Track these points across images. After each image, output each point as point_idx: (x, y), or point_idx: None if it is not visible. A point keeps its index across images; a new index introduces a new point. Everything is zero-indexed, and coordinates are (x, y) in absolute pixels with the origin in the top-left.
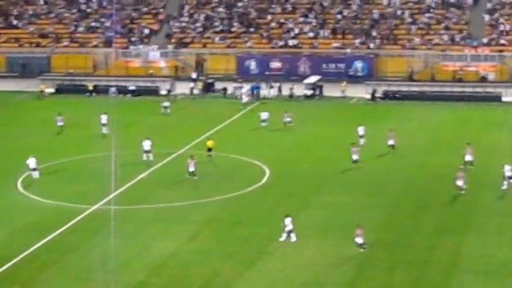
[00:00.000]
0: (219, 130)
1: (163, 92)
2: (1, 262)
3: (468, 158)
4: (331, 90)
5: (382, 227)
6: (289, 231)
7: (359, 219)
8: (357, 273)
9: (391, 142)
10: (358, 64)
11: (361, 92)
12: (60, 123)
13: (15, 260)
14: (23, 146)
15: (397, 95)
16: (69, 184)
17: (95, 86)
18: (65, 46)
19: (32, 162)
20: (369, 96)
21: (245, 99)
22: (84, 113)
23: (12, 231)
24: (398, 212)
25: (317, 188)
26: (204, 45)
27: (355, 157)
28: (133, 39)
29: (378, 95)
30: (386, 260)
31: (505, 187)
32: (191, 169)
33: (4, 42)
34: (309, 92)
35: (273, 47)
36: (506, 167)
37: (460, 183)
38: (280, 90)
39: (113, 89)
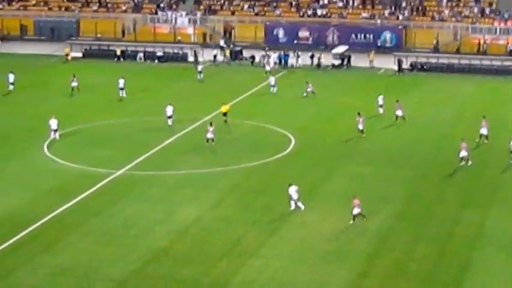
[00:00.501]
0: (245, 98)
1: (191, 59)
2: (25, 224)
3: (483, 131)
4: (359, 61)
5: (406, 199)
6: (296, 200)
7: (383, 190)
8: (378, 244)
9: (399, 113)
10: (387, 35)
11: (389, 63)
12: (74, 84)
13: (39, 223)
14: (48, 110)
15: (424, 67)
16: (94, 148)
17: (122, 51)
18: (94, 11)
19: (53, 123)
20: (396, 68)
21: (267, 67)
22: (111, 77)
23: (36, 194)
24: (422, 184)
25: (342, 158)
26: (233, 13)
27: (360, 127)
28: (161, 5)
29: (405, 66)
30: (409, 232)
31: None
32: (209, 136)
33: (33, 5)
34: (337, 62)
35: (301, 16)
36: None
37: (463, 154)
38: (312, 58)
39: (140, 55)
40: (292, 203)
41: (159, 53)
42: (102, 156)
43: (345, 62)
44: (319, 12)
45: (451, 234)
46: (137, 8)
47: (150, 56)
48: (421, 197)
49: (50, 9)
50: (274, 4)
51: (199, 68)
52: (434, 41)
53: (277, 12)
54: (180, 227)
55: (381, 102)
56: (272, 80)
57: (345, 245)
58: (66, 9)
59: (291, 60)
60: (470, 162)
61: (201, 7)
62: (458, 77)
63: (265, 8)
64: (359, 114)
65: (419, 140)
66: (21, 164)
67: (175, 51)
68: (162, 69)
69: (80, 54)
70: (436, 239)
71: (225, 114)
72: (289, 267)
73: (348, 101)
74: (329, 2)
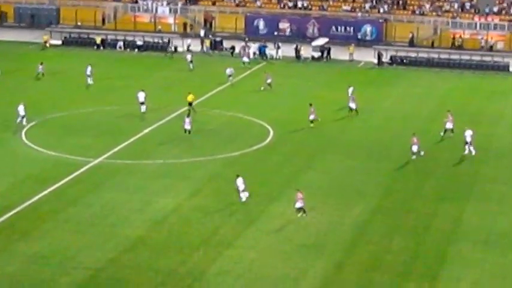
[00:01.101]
0: (224, 89)
1: (172, 49)
2: (2, 212)
3: (449, 125)
4: (339, 53)
5: (383, 192)
6: (242, 191)
7: (360, 183)
8: (356, 236)
9: (312, 117)
10: (367, 28)
11: (369, 56)
12: (40, 70)
13: (15, 210)
14: (25, 97)
15: (404, 61)
16: (72, 136)
17: (102, 40)
18: None
19: (21, 109)
20: (376, 61)
21: (245, 58)
22: (91, 66)
23: (14, 181)
24: (399, 178)
25: (320, 151)
26: (214, 3)
27: (311, 117)
28: None
29: (385, 59)
30: (385, 225)
31: (466, 152)
32: (186, 127)
33: None
34: (317, 54)
35: (282, 8)
36: (467, 133)
37: (415, 148)
38: (296, 50)
39: (120, 44)
40: (242, 194)
41: (139, 42)
42: (80, 144)
43: (325, 54)
44: (299, 4)
45: (428, 228)
46: None
47: (130, 45)
48: (398, 191)
49: None
50: None
51: (189, 57)
52: (410, 35)
53: (258, 3)
54: (157, 216)
55: (350, 93)
56: (229, 70)
57: (322, 237)
58: None
59: (271, 52)
60: (422, 153)
61: None
62: (438, 72)
63: None
64: (310, 105)
65: (397, 134)
66: None
67: (156, 40)
68: (141, 58)
69: (59, 42)
70: (413, 232)
71: (190, 103)
72: (266, 258)
73: (327, 93)
74: None
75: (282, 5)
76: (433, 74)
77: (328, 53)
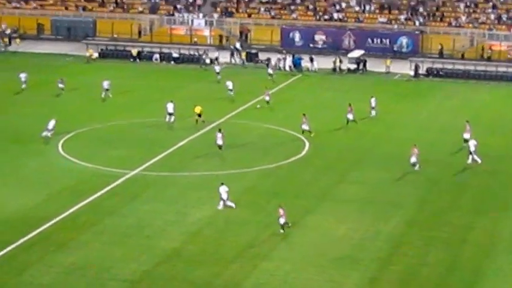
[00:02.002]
0: (260, 101)
1: (208, 61)
2: (39, 223)
3: (466, 136)
4: (375, 65)
5: (419, 204)
6: (226, 200)
7: (396, 195)
8: (392, 249)
9: (304, 127)
10: (403, 40)
11: (405, 68)
12: (60, 85)
13: (52, 222)
14: (64, 109)
15: (440, 73)
16: (109, 148)
17: (138, 52)
18: (111, 11)
19: (51, 123)
20: (412, 73)
21: (270, 70)
22: (127, 78)
23: (50, 192)
24: (435, 189)
25: (356, 163)
26: (249, 16)
27: (305, 127)
28: (178, 6)
29: (421, 71)
30: (421, 238)
31: (469, 161)
32: (219, 142)
33: (51, 4)
34: (353, 66)
35: (318, 20)
36: (471, 143)
37: (413, 160)
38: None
39: (156, 56)
40: (221, 202)
41: (175, 54)
42: (116, 156)
43: (361, 66)
44: (335, 16)
45: (464, 240)
46: (154, 9)
47: (166, 57)
48: (434, 203)
49: (67, 8)
50: (291, 7)
51: (217, 69)
52: (439, 47)
53: (294, 15)
54: (192, 228)
55: (373, 104)
56: (230, 84)
57: (357, 249)
58: (83, 8)
59: (306, 64)
60: (417, 167)
61: (218, 9)
62: (474, 83)
63: (282, 11)
64: (304, 115)
65: (433, 146)
66: (36, 163)
67: (191, 52)
68: (178, 70)
69: (96, 55)
70: (449, 244)
71: (199, 115)
72: (301, 271)
73: (362, 105)
74: (346, 7)
75: (317, 17)
76: (469, 86)
77: (364, 65)
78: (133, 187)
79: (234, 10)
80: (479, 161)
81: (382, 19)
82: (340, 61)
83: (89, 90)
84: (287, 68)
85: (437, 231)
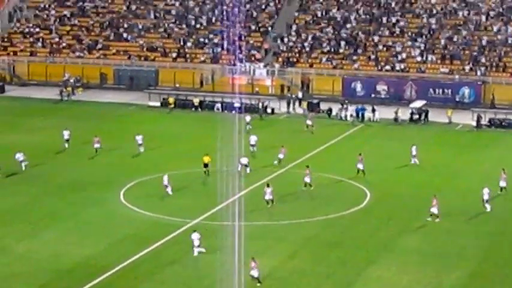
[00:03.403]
0: (321, 150)
1: (269, 110)
2: (100, 271)
3: (502, 183)
4: (436, 116)
5: (483, 256)
6: (197, 246)
7: (459, 246)
8: None
9: (359, 166)
10: (466, 90)
11: (467, 118)
12: (97, 145)
13: (113, 270)
14: (125, 158)
15: (503, 123)
16: (170, 197)
17: (200, 102)
18: (173, 60)
19: (165, 179)
20: (474, 124)
21: (309, 121)
22: (189, 127)
23: (112, 241)
24: (499, 241)
25: (418, 213)
26: (311, 65)
27: (307, 179)
28: (240, 56)
29: (483, 122)
30: None
31: (488, 210)
32: (267, 197)
33: (114, 54)
34: (414, 117)
35: (379, 70)
36: (485, 191)
37: (434, 210)
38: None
39: (218, 105)
40: (195, 249)
41: (237, 104)
42: (177, 205)
43: (423, 116)
44: (397, 66)
45: None
46: (215, 59)
47: (227, 107)
48: (497, 255)
49: (129, 58)
50: (353, 57)
51: (248, 119)
52: (491, 97)
53: (356, 65)
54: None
55: (414, 152)
56: (253, 139)
57: None
58: (146, 58)
59: (368, 114)
60: (437, 219)
61: (279, 59)
62: None
63: (343, 61)
64: (307, 167)
65: (497, 197)
66: (98, 212)
67: (253, 102)
68: (239, 120)
69: (158, 104)
70: None
71: (206, 165)
72: None
73: (424, 155)
74: (407, 57)
75: (379, 67)
76: None
77: (426, 115)
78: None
79: (295, 60)
80: (488, 209)
81: (444, 69)
82: (396, 112)
83: (152, 138)
84: (349, 118)
85: (500, 283)
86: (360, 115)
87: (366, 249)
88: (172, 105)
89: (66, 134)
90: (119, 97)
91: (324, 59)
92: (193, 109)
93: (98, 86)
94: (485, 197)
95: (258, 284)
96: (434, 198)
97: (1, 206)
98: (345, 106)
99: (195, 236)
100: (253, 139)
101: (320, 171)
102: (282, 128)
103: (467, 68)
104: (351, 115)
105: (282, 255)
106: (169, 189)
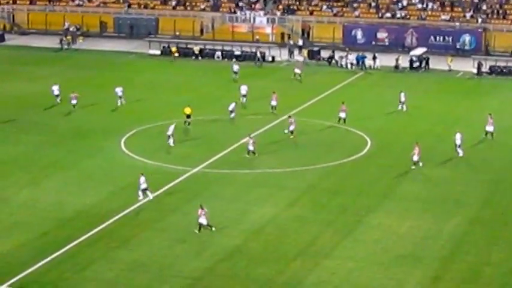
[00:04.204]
0: (322, 98)
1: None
2: (101, 219)
3: (489, 128)
4: (437, 63)
5: (482, 203)
6: (144, 189)
7: (458, 193)
8: (454, 247)
9: (341, 115)
10: (466, 38)
11: (467, 66)
12: (73, 102)
13: (115, 218)
14: (130, 108)
15: (504, 71)
16: (171, 146)
17: (200, 50)
18: (173, 8)
19: (171, 129)
20: (475, 71)
21: (297, 70)
22: (190, 76)
23: (113, 189)
24: (499, 189)
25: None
26: (311, 13)
27: (291, 128)
28: (240, 4)
29: (484, 69)
30: (484, 237)
31: (460, 154)
32: (250, 148)
33: (113, 2)
34: (415, 64)
35: (380, 17)
36: (457, 136)
37: (415, 158)
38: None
39: (218, 54)
40: (140, 193)
41: (237, 52)
42: (178, 153)
43: (423, 64)
44: (398, 14)
45: None
46: (216, 7)
47: (227, 55)
48: (497, 202)
49: (129, 6)
50: (353, 5)
51: (235, 68)
52: (486, 43)
53: (356, 13)
54: (254, 226)
55: (402, 99)
56: (244, 89)
57: (419, 247)
58: (145, 6)
59: (369, 62)
60: (413, 167)
61: (280, 7)
62: None
63: (344, 9)
64: (290, 116)
65: (496, 144)
66: (99, 160)
67: (253, 50)
68: (240, 68)
69: (158, 52)
70: None
71: (188, 116)
72: (363, 268)
73: (425, 103)
74: (408, 4)
75: (380, 15)
76: None
77: (427, 62)
78: (195, 185)
79: (296, 8)
80: (460, 153)
81: (445, 16)
82: (397, 59)
83: (150, 87)
84: (349, 66)
85: (500, 230)
86: (361, 63)
87: (367, 197)
88: (177, 54)
89: (55, 89)
90: (119, 46)
91: (324, 7)
92: (193, 57)
93: (97, 34)
94: (458, 141)
95: (196, 231)
96: (416, 145)
97: (2, 156)
98: (345, 54)
99: (142, 179)
100: (243, 89)
101: (321, 119)
102: (282, 76)
103: (468, 15)
104: (351, 63)
105: (282, 203)
106: (171, 141)
